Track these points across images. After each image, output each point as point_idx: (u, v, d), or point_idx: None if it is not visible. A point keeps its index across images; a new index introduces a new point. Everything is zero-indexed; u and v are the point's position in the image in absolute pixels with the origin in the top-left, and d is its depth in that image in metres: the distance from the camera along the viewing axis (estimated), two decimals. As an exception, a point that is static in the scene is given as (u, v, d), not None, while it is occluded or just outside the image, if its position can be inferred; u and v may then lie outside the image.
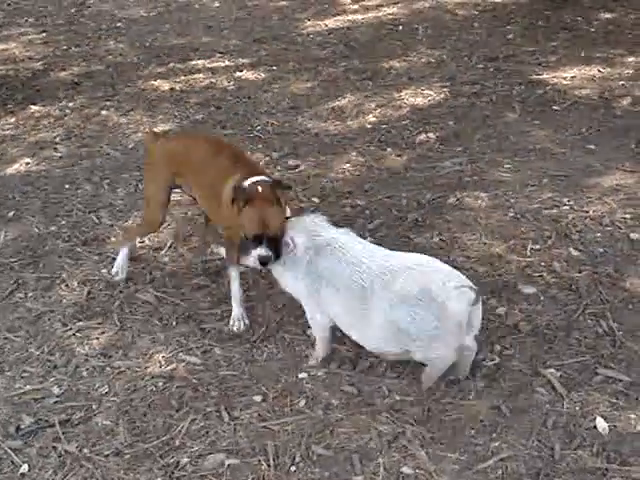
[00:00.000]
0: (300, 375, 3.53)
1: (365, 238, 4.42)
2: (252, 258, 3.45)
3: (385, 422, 3.23)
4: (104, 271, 4.40)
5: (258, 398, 3.40)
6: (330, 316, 3.45)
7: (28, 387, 3.59)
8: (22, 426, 3.36)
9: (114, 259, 4.38)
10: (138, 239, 4.54)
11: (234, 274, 3.91)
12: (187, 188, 4.08)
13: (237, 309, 3.91)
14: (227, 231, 3.91)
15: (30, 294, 4.27)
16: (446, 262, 4.06)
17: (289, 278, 3.53)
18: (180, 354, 3.72)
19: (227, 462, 3.08)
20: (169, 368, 3.63)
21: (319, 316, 3.49)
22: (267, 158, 5.71)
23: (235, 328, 3.87)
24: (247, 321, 3.90)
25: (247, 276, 4.22)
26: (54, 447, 3.23)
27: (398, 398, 3.35)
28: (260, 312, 3.99)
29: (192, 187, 4.02)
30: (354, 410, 3.31)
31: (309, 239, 3.41)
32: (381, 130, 6.06)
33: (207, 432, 3.24)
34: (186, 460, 3.11)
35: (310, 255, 3.40)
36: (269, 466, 3.06)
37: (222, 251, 4.30)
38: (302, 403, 3.36)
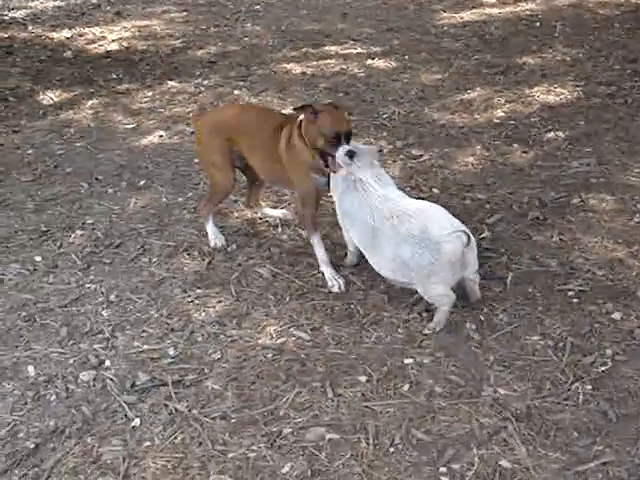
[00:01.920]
0: (406, 360, 3.56)
1: (483, 232, 4.44)
2: (340, 154, 3.81)
3: (487, 415, 3.22)
4: (211, 244, 4.58)
5: (363, 378, 3.45)
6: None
7: (146, 346, 3.76)
8: (137, 382, 3.52)
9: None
10: (217, 206, 4.64)
11: (317, 240, 4.17)
12: (240, 154, 4.33)
13: (329, 270, 4.14)
14: (299, 191, 4.19)
15: (154, 260, 4.46)
16: (564, 263, 4.08)
17: (336, 197, 4.10)
18: (291, 329, 3.81)
19: (328, 436, 3.15)
20: (279, 341, 3.73)
21: (350, 243, 4.15)
22: (390, 146, 5.74)
23: (335, 289, 4.07)
24: (342, 280, 4.10)
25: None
26: (165, 405, 3.37)
27: (502, 392, 3.34)
28: (372, 297, 4.02)
29: (247, 150, 4.29)
30: (457, 400, 3.31)
31: (346, 175, 3.92)
32: (509, 125, 5.99)
33: (311, 405, 3.32)
34: (289, 430, 3.19)
35: (342, 189, 3.97)
36: (368, 445, 3.11)
37: (273, 212, 4.83)
38: (406, 387, 3.39)
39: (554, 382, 3.37)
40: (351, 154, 3.82)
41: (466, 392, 3.35)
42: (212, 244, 4.52)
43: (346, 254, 4.29)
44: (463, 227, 3.67)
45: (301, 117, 3.99)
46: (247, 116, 4.35)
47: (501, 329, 3.73)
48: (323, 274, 4.16)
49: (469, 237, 3.60)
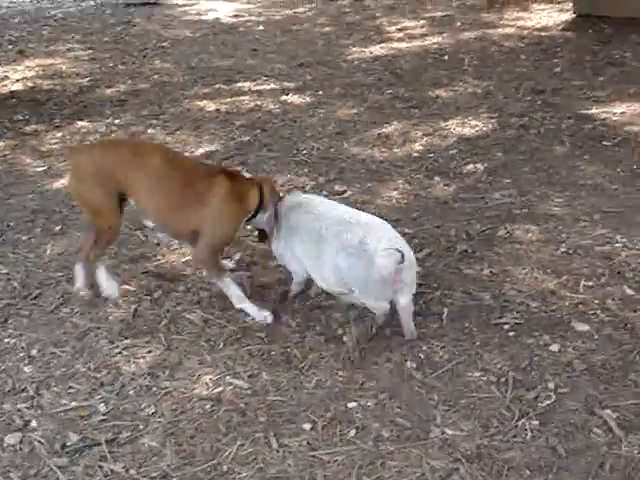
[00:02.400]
0: (349, 404, 3.46)
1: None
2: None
3: (437, 457, 3.15)
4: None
5: (307, 426, 3.34)
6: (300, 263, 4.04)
7: (74, 404, 3.55)
8: (68, 443, 3.31)
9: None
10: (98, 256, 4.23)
11: (227, 280, 4.05)
12: (131, 199, 4.01)
13: (249, 306, 4.05)
14: (210, 237, 3.97)
15: (76, 309, 4.25)
16: (497, 296, 4.08)
17: (276, 243, 4.11)
18: (227, 377, 3.67)
19: (275, 491, 3.02)
20: (216, 391, 3.58)
21: (297, 268, 4.09)
22: (313, 182, 5.69)
23: (268, 319, 4.02)
24: (267, 311, 4.04)
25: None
26: (100, 466, 3.18)
27: (450, 432, 3.27)
28: (309, 339, 3.92)
29: (140, 195, 3.95)
30: (405, 443, 3.23)
31: (286, 203, 4.08)
32: (428, 159, 6.02)
33: (255, 458, 3.18)
34: (234, 486, 3.05)
35: (285, 214, 4.03)
36: (319, 497, 2.99)
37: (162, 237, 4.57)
38: (352, 433, 3.29)
39: (500, 419, 3.34)
40: None
41: (414, 434, 3.28)
42: (105, 293, 4.24)
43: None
44: (403, 245, 3.74)
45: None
46: (153, 159, 3.96)
47: (442, 367, 3.68)
48: (245, 312, 4.07)
49: (403, 255, 3.60)
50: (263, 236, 4.21)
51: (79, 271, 4.27)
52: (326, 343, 3.88)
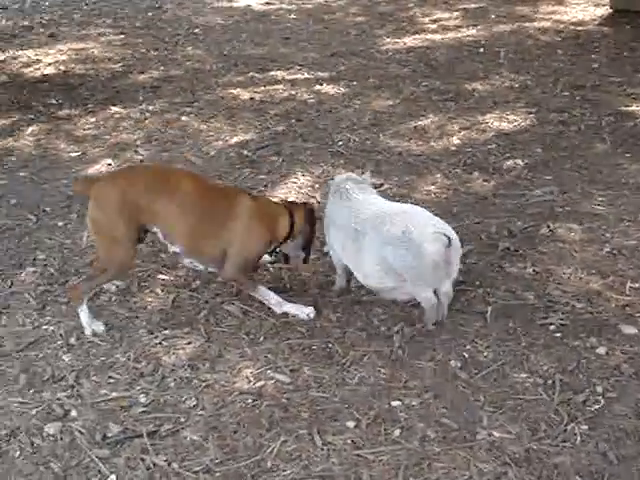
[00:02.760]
0: (393, 403, 3.41)
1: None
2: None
3: (485, 460, 3.09)
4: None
5: (351, 424, 3.29)
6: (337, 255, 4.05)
7: (114, 394, 3.52)
8: (109, 434, 3.28)
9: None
10: (98, 287, 4.09)
11: (262, 289, 4.02)
12: (157, 227, 3.90)
13: (289, 306, 4.00)
14: (237, 258, 3.93)
15: (114, 298, 4.22)
16: (541, 295, 4.01)
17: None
18: (269, 371, 3.62)
19: (321, 489, 2.97)
20: (258, 385, 3.54)
21: (335, 259, 4.11)
22: (350, 174, 5.60)
23: (312, 315, 3.99)
24: (309, 308, 4.01)
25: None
26: (142, 459, 3.14)
27: (498, 435, 3.21)
28: (350, 335, 3.86)
29: (168, 221, 3.86)
30: (452, 444, 3.17)
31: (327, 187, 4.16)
32: (466, 153, 5.94)
33: (300, 455, 3.13)
34: (279, 483, 3.00)
35: (330, 200, 4.08)
36: (365, 497, 2.94)
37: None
38: (397, 432, 3.24)
39: (549, 423, 3.27)
40: None
41: (460, 436, 3.22)
42: (88, 332, 3.90)
43: (333, 283, 4.23)
44: (447, 228, 3.78)
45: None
46: (177, 183, 3.91)
47: (487, 367, 3.61)
48: (288, 314, 4.00)
49: (449, 238, 3.65)
50: (288, 259, 4.24)
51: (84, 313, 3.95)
52: (368, 339, 3.83)
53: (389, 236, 3.70)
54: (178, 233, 3.87)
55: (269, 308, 4.00)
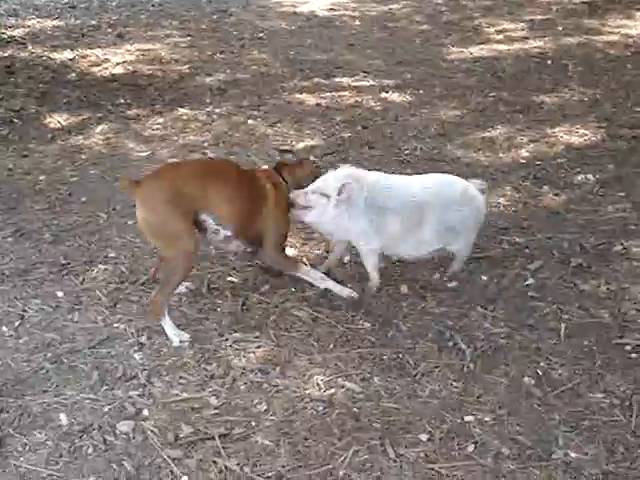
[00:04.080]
0: (466, 417, 3.36)
1: (527, 279, 4.29)
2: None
3: (561, 480, 3.03)
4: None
5: (424, 437, 3.25)
6: (383, 240, 4.11)
7: (185, 395, 3.53)
8: (181, 435, 3.28)
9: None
10: (175, 291, 4.03)
11: (305, 268, 4.23)
12: (208, 214, 3.93)
13: (334, 284, 4.18)
14: (274, 234, 4.12)
15: (184, 299, 4.23)
16: (616, 315, 3.94)
17: (347, 220, 4.04)
18: (339, 379, 3.60)
19: (395, 502, 2.94)
20: (328, 392, 3.52)
21: (376, 243, 4.12)
22: (417, 184, 5.56)
23: (350, 296, 4.16)
24: (349, 289, 4.18)
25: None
26: (214, 462, 3.14)
27: (574, 455, 3.14)
28: (421, 346, 3.83)
29: (222, 205, 3.95)
30: (527, 463, 3.11)
31: (360, 182, 4.03)
32: (535, 166, 5.86)
33: (372, 466, 3.10)
34: (351, 494, 2.98)
35: (367, 193, 4.02)
36: (438, 511, 2.90)
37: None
38: (470, 448, 3.19)
39: (626, 445, 3.19)
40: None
41: (535, 454, 3.16)
42: (175, 342, 3.84)
43: (363, 290, 4.25)
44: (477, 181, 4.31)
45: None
46: (224, 171, 4.13)
47: (562, 385, 3.55)
48: (330, 291, 4.19)
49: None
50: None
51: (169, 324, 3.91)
52: (439, 352, 3.79)
53: (450, 200, 4.10)
54: (229, 216, 3.95)
55: (311, 285, 4.18)
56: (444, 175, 4.44)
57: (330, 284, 4.18)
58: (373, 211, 4.04)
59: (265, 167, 4.24)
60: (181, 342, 3.84)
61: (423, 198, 4.07)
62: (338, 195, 3.98)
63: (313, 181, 4.14)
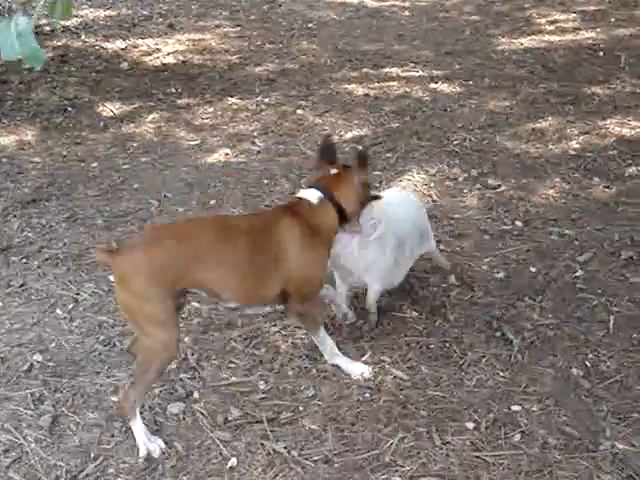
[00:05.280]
0: (513, 407, 3.37)
1: (576, 271, 4.27)
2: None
3: (608, 471, 3.02)
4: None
5: (470, 425, 3.26)
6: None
7: (234, 379, 3.59)
8: (230, 418, 3.34)
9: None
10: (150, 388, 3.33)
11: (322, 334, 3.54)
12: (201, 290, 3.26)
13: (345, 361, 3.60)
14: (312, 285, 3.40)
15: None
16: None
17: (374, 254, 3.72)
18: (386, 367, 3.63)
19: (440, 488, 2.96)
20: (375, 379, 3.54)
21: (387, 285, 3.88)
22: (465, 174, 5.57)
23: (360, 376, 3.55)
24: (363, 365, 3.61)
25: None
26: (262, 444, 3.19)
27: (621, 447, 3.14)
28: (468, 336, 3.84)
29: (215, 279, 3.20)
30: (574, 453, 3.11)
31: (378, 215, 3.67)
32: (586, 158, 5.80)
33: (418, 453, 3.13)
34: (397, 479, 3.00)
35: (393, 227, 3.76)
36: (484, 499, 2.92)
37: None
38: (517, 437, 3.20)
39: (674, 436, 3.17)
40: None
41: (582, 445, 3.16)
42: (142, 452, 3.14)
43: (370, 320, 3.95)
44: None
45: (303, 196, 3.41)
46: (208, 233, 3.24)
47: (610, 377, 3.53)
48: (340, 368, 3.60)
49: None
50: None
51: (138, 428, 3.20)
52: (486, 342, 3.79)
53: (416, 205, 4.17)
54: (231, 288, 3.25)
55: (321, 356, 3.66)
56: (393, 190, 4.69)
57: (341, 361, 3.60)
58: (397, 242, 3.80)
59: (312, 192, 3.38)
60: (148, 453, 3.15)
61: (412, 217, 4.05)
62: (371, 233, 3.66)
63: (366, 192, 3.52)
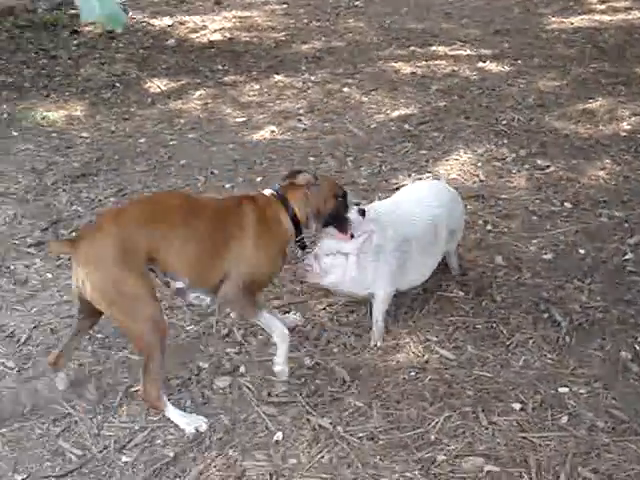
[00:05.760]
0: (560, 389, 3.34)
1: (626, 254, 4.21)
2: (352, 214, 3.47)
3: (657, 455, 2.99)
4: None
5: (517, 406, 3.24)
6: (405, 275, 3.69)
7: (279, 355, 3.59)
8: (275, 393, 3.36)
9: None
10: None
11: (267, 314, 3.36)
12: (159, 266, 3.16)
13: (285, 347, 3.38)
14: (243, 276, 3.25)
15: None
16: None
17: (373, 270, 3.55)
18: (432, 346, 3.62)
19: (486, 468, 2.94)
20: (421, 359, 3.54)
21: (400, 282, 3.68)
22: (513, 155, 5.50)
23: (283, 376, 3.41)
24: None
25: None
26: (308, 420, 3.20)
27: (670, 431, 3.10)
28: (515, 317, 3.80)
29: (171, 253, 3.14)
30: (622, 437, 3.08)
31: (377, 221, 3.58)
32: (637, 140, 5.71)
33: (464, 432, 3.12)
34: (443, 458, 3.00)
35: (390, 232, 3.58)
36: (530, 479, 2.90)
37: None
38: (564, 419, 3.17)
39: None
40: (363, 212, 3.50)
41: (631, 429, 3.12)
42: (189, 431, 3.15)
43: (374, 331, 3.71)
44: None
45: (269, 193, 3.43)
46: (171, 210, 3.23)
47: (660, 361, 3.48)
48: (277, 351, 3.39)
49: None
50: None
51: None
52: (534, 323, 3.76)
53: (451, 202, 3.94)
54: (183, 262, 3.18)
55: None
56: (425, 183, 4.42)
57: (283, 349, 3.36)
58: (397, 246, 3.61)
59: (268, 190, 3.45)
60: (196, 430, 3.15)
61: (436, 214, 3.76)
62: (360, 249, 3.51)
63: (335, 205, 3.44)
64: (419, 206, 3.77)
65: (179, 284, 3.23)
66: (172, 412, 3.16)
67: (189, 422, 3.16)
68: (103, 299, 3.04)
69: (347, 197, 3.51)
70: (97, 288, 3.02)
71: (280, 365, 3.36)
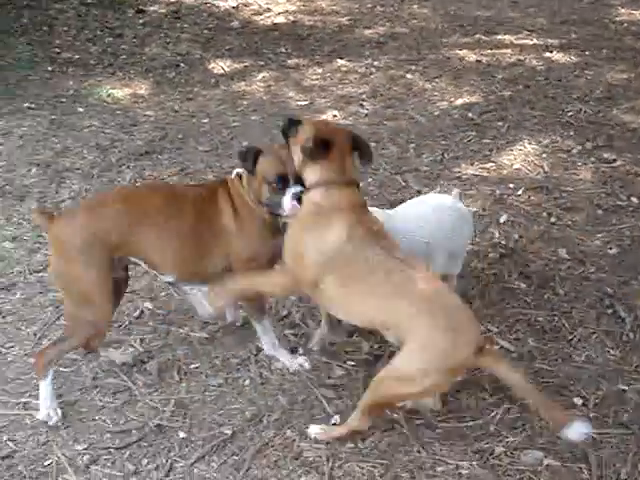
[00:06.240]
0: (622, 386, 3.28)
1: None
2: (287, 197, 3.01)
3: None
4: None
5: (578, 401, 3.20)
6: None
7: (338, 339, 3.59)
8: (333, 376, 3.37)
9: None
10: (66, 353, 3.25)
11: (268, 323, 3.40)
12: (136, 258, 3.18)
13: (285, 353, 3.45)
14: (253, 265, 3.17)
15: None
16: None
17: None
18: (492, 336, 3.57)
19: (545, 462, 2.91)
20: (481, 349, 3.50)
21: None
22: (579, 147, 5.41)
23: (306, 365, 3.41)
24: (303, 357, 3.44)
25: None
26: (366, 404, 3.20)
27: None
28: (579, 311, 3.75)
29: (151, 248, 3.12)
30: (687, 437, 3.02)
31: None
32: None
33: (523, 425, 3.09)
34: (501, 449, 2.98)
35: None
36: (591, 476, 2.86)
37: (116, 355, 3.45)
38: (626, 417, 3.12)
39: None
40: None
41: (695, 432, 3.05)
42: (41, 415, 3.11)
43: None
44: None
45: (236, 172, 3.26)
46: (146, 204, 3.14)
47: None
48: (276, 359, 3.45)
49: None
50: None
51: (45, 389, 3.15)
52: (597, 318, 3.70)
53: (450, 224, 3.51)
54: (168, 258, 3.16)
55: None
56: (432, 198, 3.84)
57: (283, 355, 3.44)
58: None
59: (237, 171, 3.25)
60: (48, 416, 3.10)
61: (432, 234, 3.40)
62: None
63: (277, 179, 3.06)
64: (416, 222, 3.41)
65: (168, 278, 3.27)
66: (44, 387, 3.08)
67: (47, 406, 3.10)
68: (57, 280, 3.17)
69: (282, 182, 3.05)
70: (55, 269, 3.11)
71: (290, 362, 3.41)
